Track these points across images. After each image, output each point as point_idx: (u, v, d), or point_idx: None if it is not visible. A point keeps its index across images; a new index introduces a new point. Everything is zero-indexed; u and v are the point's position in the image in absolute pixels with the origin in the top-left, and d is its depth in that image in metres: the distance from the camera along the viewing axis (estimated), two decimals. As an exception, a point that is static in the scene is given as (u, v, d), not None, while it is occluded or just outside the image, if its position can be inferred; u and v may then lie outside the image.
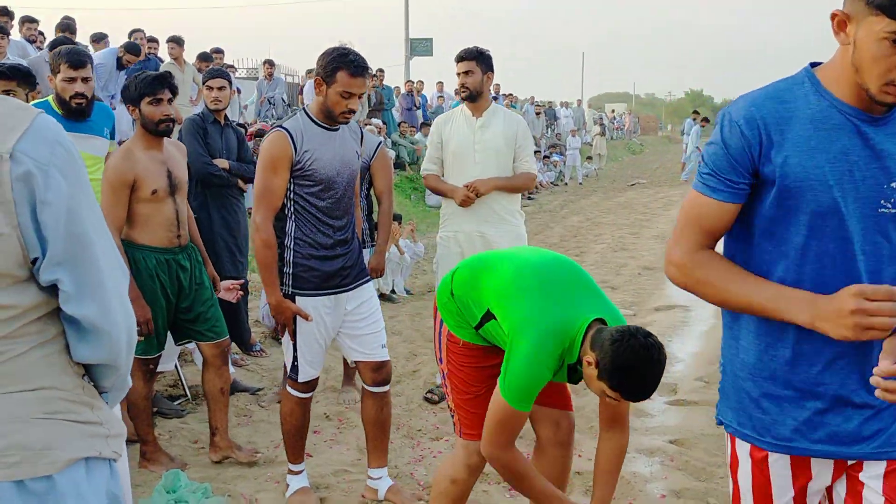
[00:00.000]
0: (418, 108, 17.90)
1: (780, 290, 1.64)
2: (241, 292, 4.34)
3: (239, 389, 4.81)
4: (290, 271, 3.23)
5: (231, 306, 4.87)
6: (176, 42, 10.01)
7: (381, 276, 4.23)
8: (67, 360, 1.37)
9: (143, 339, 3.51)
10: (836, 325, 1.54)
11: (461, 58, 4.42)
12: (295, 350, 3.29)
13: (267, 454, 3.91)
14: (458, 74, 4.42)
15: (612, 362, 2.21)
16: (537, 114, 21.65)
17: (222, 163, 4.98)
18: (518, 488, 2.58)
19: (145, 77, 3.56)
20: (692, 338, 6.16)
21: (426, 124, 16.75)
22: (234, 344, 5.38)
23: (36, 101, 3.82)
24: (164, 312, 3.66)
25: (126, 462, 2.17)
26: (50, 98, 3.79)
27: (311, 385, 3.39)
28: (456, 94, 5.01)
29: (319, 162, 3.15)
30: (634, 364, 2.20)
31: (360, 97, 3.15)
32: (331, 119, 3.17)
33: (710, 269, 1.72)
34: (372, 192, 4.76)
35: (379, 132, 10.05)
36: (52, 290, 1.33)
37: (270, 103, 13.88)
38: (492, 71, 4.44)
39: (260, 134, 9.34)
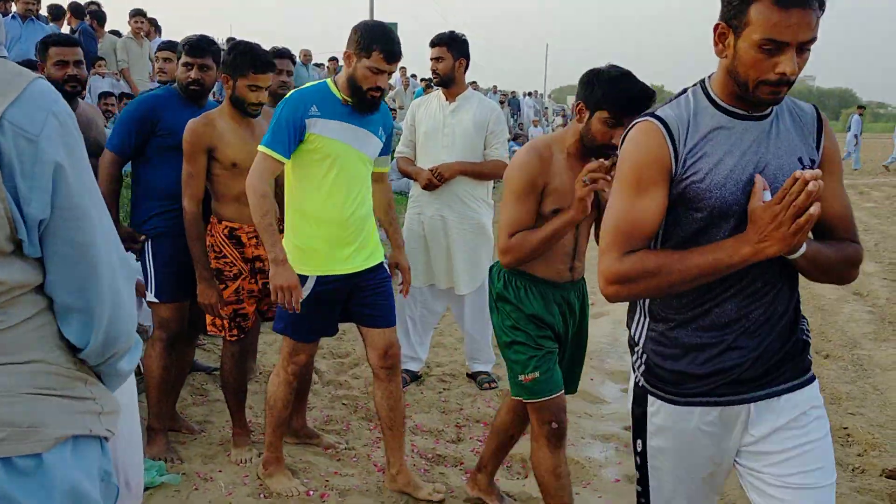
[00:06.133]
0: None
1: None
2: None
3: (196, 369, 4.77)
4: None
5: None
6: (141, 16, 9.75)
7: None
8: (60, 333, 1.30)
9: (533, 378, 2.69)
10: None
11: (433, 43, 4.45)
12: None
13: (223, 434, 3.89)
14: (431, 60, 4.44)
15: None
16: (501, 102, 21.60)
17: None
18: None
19: None
20: (648, 328, 6.23)
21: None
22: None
23: (314, 83, 3.18)
24: None
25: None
26: (329, 81, 3.14)
27: None
28: (420, 80, 5.02)
29: None
30: None
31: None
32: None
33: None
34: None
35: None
36: (42, 262, 1.26)
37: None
38: (465, 57, 4.45)
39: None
